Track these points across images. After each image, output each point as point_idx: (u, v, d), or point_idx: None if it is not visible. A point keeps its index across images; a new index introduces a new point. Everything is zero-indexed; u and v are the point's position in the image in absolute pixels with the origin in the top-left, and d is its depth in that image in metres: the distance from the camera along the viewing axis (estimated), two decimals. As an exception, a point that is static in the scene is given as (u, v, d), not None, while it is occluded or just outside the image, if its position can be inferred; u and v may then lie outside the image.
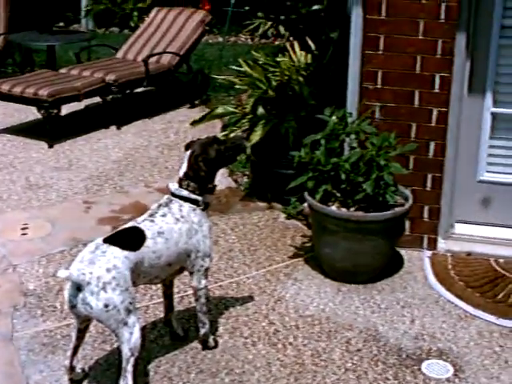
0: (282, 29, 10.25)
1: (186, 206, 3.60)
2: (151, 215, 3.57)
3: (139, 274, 3.41)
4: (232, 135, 5.22)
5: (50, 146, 6.79)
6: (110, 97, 7.37)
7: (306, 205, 4.76)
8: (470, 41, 4.56)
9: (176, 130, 7.29)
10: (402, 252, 4.78)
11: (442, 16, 4.47)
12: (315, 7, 7.84)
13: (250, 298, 4.31)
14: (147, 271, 3.45)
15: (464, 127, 4.71)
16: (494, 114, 4.72)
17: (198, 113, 7.19)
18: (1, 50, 8.90)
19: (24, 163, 6.43)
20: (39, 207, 5.56)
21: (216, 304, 4.23)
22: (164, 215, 3.55)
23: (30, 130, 7.24)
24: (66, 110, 7.26)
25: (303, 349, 3.85)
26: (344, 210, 4.40)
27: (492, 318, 4.10)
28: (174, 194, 3.63)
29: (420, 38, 4.53)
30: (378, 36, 4.60)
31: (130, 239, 3.43)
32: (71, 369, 3.53)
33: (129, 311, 3.25)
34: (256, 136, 5.53)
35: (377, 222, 4.35)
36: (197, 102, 8.05)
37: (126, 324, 3.25)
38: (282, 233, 5.13)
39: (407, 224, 4.72)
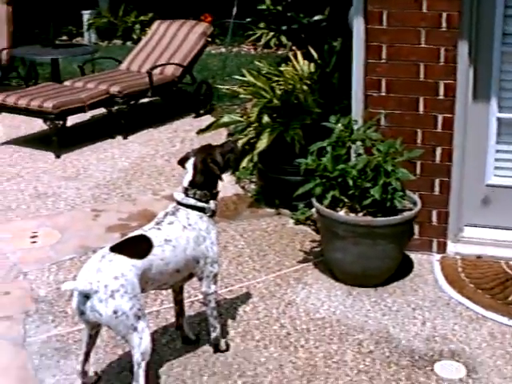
0: (284, 39, 10.31)
1: (193, 214, 3.63)
2: (158, 223, 3.59)
3: (147, 281, 3.42)
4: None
5: (57, 157, 6.84)
6: (115, 108, 7.42)
7: (314, 210, 4.79)
8: (472, 48, 4.59)
9: (182, 138, 7.33)
10: (412, 256, 4.80)
11: (444, 24, 4.50)
12: (316, 18, 7.91)
13: (261, 302, 4.32)
14: (155, 278, 3.47)
15: (470, 132, 4.73)
16: (499, 119, 4.74)
17: (203, 122, 7.24)
18: (5, 64, 8.96)
19: (31, 173, 6.47)
20: (48, 216, 5.58)
21: (227, 308, 4.25)
22: (171, 223, 3.58)
23: (37, 141, 7.29)
24: (71, 121, 7.30)
25: (315, 351, 3.87)
26: (352, 215, 4.42)
27: (504, 320, 4.10)
28: (180, 204, 3.66)
29: (422, 46, 4.57)
30: (380, 45, 4.64)
31: (137, 247, 3.44)
32: (84, 373, 3.54)
33: (138, 317, 3.26)
34: (262, 144, 5.57)
35: (386, 226, 4.37)
36: (202, 112, 8.11)
37: (135, 329, 3.26)
38: (290, 238, 5.16)
39: (416, 228, 4.75)
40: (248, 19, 9.58)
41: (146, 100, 7.99)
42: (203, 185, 3.64)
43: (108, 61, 9.03)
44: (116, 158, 6.84)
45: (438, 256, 4.82)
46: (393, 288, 4.47)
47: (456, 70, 4.57)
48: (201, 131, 6.41)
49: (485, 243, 4.84)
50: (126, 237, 3.65)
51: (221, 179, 3.71)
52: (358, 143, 4.60)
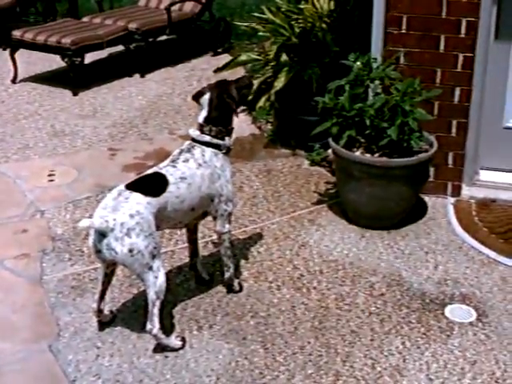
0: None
1: (208, 151, 3.61)
2: (173, 161, 3.58)
3: (163, 219, 3.43)
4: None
5: (75, 94, 6.83)
6: (133, 45, 7.38)
7: (330, 151, 4.76)
8: (497, -16, 4.47)
9: (199, 77, 7.28)
10: (426, 199, 4.79)
11: (468, -40, 4.38)
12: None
13: (274, 244, 4.35)
14: (171, 216, 3.48)
15: (490, 73, 4.65)
16: (521, 60, 4.65)
17: (220, 60, 7.16)
18: (23, -1, 8.89)
19: (49, 111, 6.48)
20: (65, 154, 5.61)
21: (240, 249, 4.28)
22: (186, 160, 3.56)
23: (55, 78, 7.27)
24: (89, 58, 7.28)
25: (327, 293, 3.90)
26: (368, 155, 4.40)
27: (516, 264, 4.11)
28: (195, 140, 3.64)
29: (446, -19, 4.46)
30: (402, -20, 4.53)
31: (152, 185, 3.44)
32: (99, 311, 3.61)
33: (153, 256, 3.30)
34: (279, 83, 5.52)
35: (401, 167, 4.35)
36: (219, 50, 8.04)
37: (150, 268, 3.30)
38: (305, 179, 5.15)
39: (431, 170, 4.72)
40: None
41: (163, 38, 7.92)
42: (218, 121, 3.62)
43: (126, -4, 8.93)
44: (133, 96, 6.83)
45: (453, 199, 4.80)
46: (406, 231, 4.47)
47: (479, 7, 4.47)
48: (218, 70, 6.35)
49: (500, 187, 4.81)
50: (142, 174, 3.65)
51: (236, 115, 3.70)
52: (377, 82, 4.54)
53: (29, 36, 7.07)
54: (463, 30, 4.52)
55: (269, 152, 5.61)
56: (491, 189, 4.80)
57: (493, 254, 4.19)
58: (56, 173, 5.27)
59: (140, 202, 3.29)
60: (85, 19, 7.74)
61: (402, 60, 4.66)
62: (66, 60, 6.91)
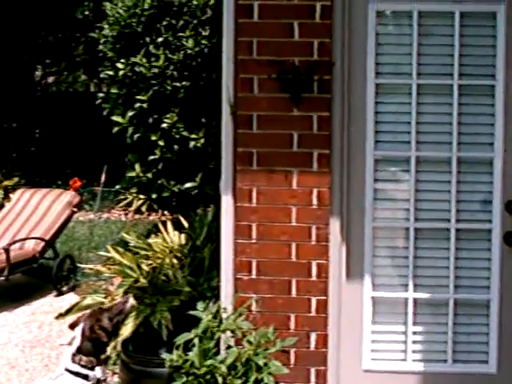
0: (155, 205, 10.24)
1: (76, 381, 3.76)
2: None
3: None
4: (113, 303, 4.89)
5: None
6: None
7: (181, 412, 4.37)
8: (344, 225, 4.52)
9: (40, 323, 6.81)
10: None
11: (315, 202, 4.44)
12: (188, 185, 7.84)
13: None
14: None
15: (345, 314, 4.56)
16: (373, 299, 4.61)
17: (65, 301, 6.81)
18: None
19: None
20: None
21: None
22: None
23: None
24: None
25: None
26: (223, 417, 4.04)
27: None
28: (66, 369, 3.80)
29: (293, 224, 4.46)
30: (249, 224, 4.50)
31: None
32: None
33: None
34: (126, 330, 5.16)
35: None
36: (64, 289, 7.69)
37: None
38: None
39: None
40: (117, 186, 9.45)
41: (1, 278, 7.46)
42: (90, 351, 3.82)
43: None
44: (-40, 349, 6.23)
45: None
46: None
47: (328, 249, 4.48)
48: (60, 315, 5.95)
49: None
50: None
51: (108, 345, 3.97)
52: (228, 334, 4.32)
53: None
54: (314, 273, 4.47)
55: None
56: None
57: None
58: None
59: None
60: None
61: (253, 307, 4.49)
62: None
